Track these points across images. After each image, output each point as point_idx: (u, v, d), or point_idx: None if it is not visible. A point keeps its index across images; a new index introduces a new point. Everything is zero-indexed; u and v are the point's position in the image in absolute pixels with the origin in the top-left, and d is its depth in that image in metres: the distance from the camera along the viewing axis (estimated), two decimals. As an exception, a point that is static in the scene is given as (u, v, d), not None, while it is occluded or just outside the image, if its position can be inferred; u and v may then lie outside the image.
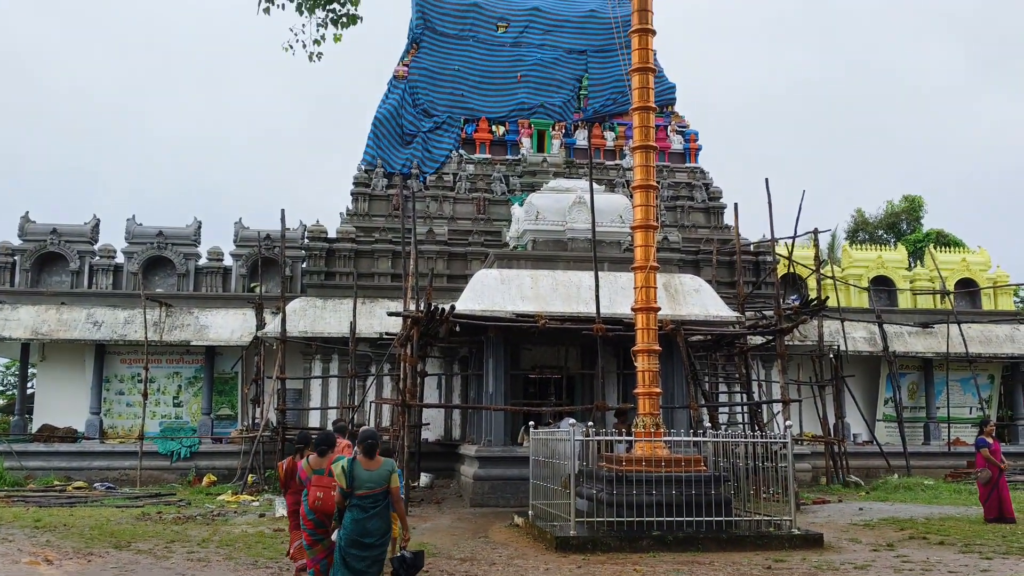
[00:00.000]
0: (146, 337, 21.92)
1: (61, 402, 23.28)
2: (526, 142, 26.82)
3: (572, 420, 12.26)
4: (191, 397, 24.07)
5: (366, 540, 7.03)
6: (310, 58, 11.48)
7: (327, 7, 11.09)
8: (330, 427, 15.35)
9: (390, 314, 18.55)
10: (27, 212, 24.23)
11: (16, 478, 20.72)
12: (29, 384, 25.82)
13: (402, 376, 17.76)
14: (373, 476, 7.12)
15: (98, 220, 24.96)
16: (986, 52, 78.49)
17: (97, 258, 24.30)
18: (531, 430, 14.08)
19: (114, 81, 76.96)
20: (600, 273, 16.78)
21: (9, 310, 22.75)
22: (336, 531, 7.29)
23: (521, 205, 21.42)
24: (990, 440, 14.69)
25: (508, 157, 26.72)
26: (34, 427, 23.09)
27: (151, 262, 24.55)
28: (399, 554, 7.37)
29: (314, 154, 79.78)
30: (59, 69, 75.34)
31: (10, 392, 35.15)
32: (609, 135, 27.47)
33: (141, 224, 24.83)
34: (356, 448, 7.45)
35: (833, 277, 25.81)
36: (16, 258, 23.79)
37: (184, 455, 22.20)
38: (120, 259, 24.45)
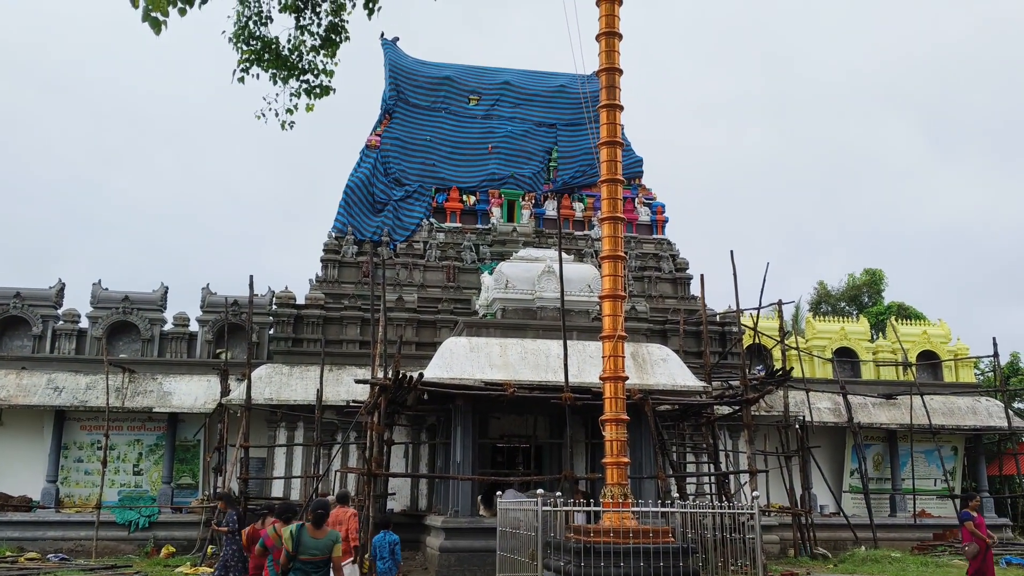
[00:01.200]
0: (107, 403, 21.50)
1: (17, 470, 22.61)
2: (496, 212, 27.19)
3: (540, 490, 12.17)
4: (152, 465, 23.54)
5: None
6: (282, 126, 11.62)
7: (300, 78, 11.29)
8: (330, 496, 15.76)
9: (358, 381, 18.41)
10: (-11, 275, 23.94)
11: (-35, 549, 19.98)
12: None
13: (368, 445, 17.57)
14: (319, 544, 7.65)
15: (63, 284, 24.71)
16: (943, 134, 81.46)
17: (61, 322, 23.99)
18: (498, 500, 13.95)
19: (83, 148, 76.96)
20: (569, 342, 16.89)
21: (-33, 375, 22.27)
22: None
23: (491, 273, 21.62)
24: (975, 514, 14.61)
25: (478, 226, 27.04)
26: (-13, 496, 22.36)
27: (116, 327, 24.26)
28: None
29: (285, 222, 79.93)
30: (28, 133, 75.27)
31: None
32: (578, 206, 27.96)
33: (107, 289, 24.61)
34: (306, 517, 7.95)
35: (797, 348, 26.20)
36: (-24, 322, 23.40)
37: (143, 525, 21.62)
38: (84, 324, 24.15)
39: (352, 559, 11.41)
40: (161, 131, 78.72)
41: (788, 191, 79.31)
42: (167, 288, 25.16)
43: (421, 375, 16.50)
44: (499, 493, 14.48)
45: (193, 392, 23.05)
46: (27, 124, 74.48)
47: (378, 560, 11.69)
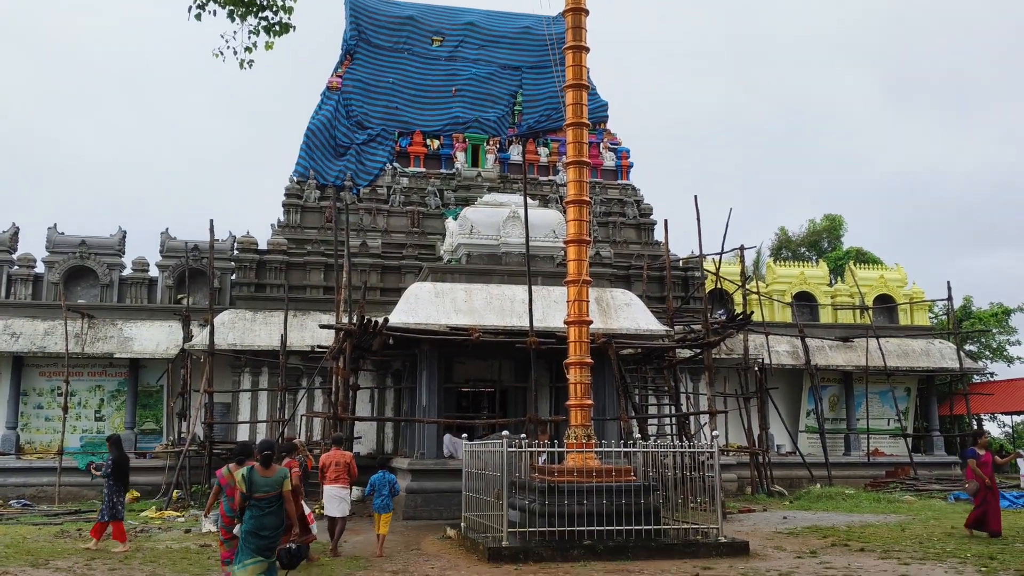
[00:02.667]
0: (67, 349, 21.21)
1: (-26, 417, 22.34)
2: (460, 156, 26.95)
3: (505, 432, 12.34)
4: (114, 411, 23.38)
5: (262, 533, 8.10)
6: (241, 65, 11.33)
7: (259, 15, 10.98)
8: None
9: (322, 326, 18.38)
10: (-60, 219, 23.28)
11: (-76, 496, 19.79)
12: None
13: (334, 389, 17.60)
14: (269, 482, 8.20)
15: (17, 228, 24.12)
16: (898, 86, 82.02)
17: (16, 267, 23.47)
18: (464, 443, 14.12)
19: (33, 97, 74.44)
20: (534, 287, 16.96)
21: (-81, 321, 21.80)
22: (238, 526, 8.43)
23: (455, 219, 21.50)
24: (981, 452, 14.14)
25: (442, 171, 26.80)
26: (-56, 443, 22.09)
27: (73, 272, 23.80)
28: (287, 546, 8.27)
29: (246, 168, 78.37)
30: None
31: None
32: (543, 151, 27.79)
33: (63, 233, 24.07)
34: (256, 457, 8.51)
35: (758, 292, 26.57)
36: (-73, 267, 22.82)
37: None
38: (40, 269, 23.65)
39: (347, 484, 12.49)
40: (113, 79, 76.33)
41: (749, 141, 79.57)
42: (125, 233, 24.69)
43: (386, 320, 16.48)
44: (463, 435, 14.65)
45: (155, 338, 22.82)
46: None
47: (376, 496, 12.43)
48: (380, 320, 16.38)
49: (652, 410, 23.49)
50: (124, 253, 24.47)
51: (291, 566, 8.35)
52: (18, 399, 22.54)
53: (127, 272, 24.24)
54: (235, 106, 77.82)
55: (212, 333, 20.67)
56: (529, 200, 18.85)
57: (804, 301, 28.36)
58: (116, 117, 76.14)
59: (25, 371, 22.74)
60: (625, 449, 13.45)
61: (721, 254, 23.12)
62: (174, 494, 19.62)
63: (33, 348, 21.98)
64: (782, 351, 26.02)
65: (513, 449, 12.41)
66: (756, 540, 13.12)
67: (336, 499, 12.41)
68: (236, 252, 23.86)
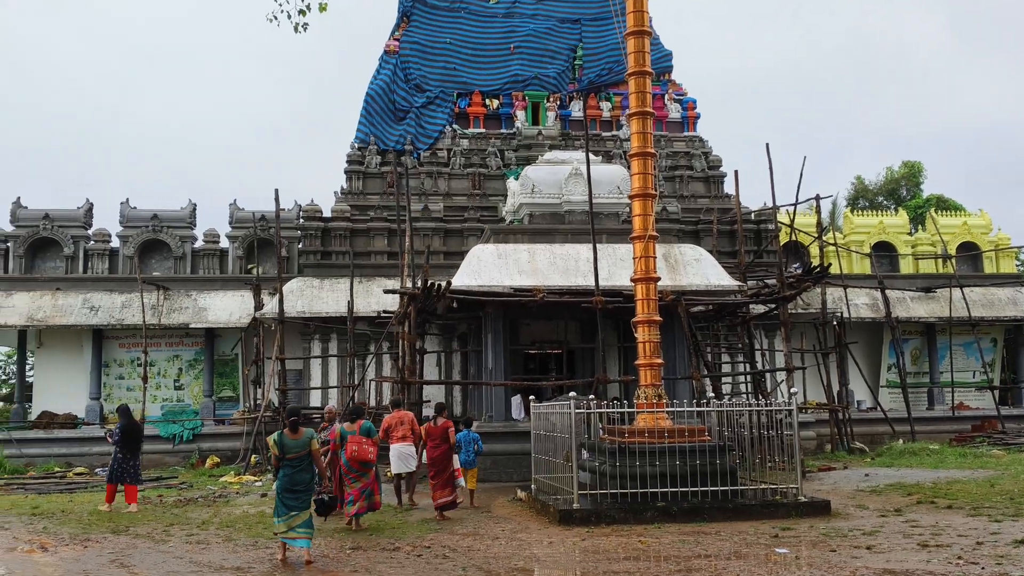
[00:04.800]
0: (144, 321, 21.73)
1: (60, 388, 23.15)
2: (520, 115, 26.47)
3: (572, 393, 12.08)
4: (192, 380, 23.96)
5: (295, 488, 9.18)
6: (295, 29, 11.20)
7: (310, -26, 10.80)
8: (388, 402, 17.38)
9: (387, 292, 18.35)
10: (19, 198, 23.99)
11: (16, 466, 20.64)
12: (28, 371, 25.67)
13: (400, 354, 17.60)
14: (298, 443, 9.26)
15: (91, 204, 24.72)
16: (969, 28, 77.83)
17: (92, 243, 24.09)
18: (532, 404, 13.93)
19: (106, 75, 76.37)
20: (598, 245, 16.57)
21: (3, 297, 22.58)
22: (277, 481, 9.43)
23: (517, 179, 21.16)
24: None
25: (503, 131, 26.40)
26: (34, 414, 22.98)
27: (147, 245, 24.34)
28: (319, 496, 9.37)
29: (310, 137, 79.25)
30: (51, 62, 74.77)
31: (10, 380, 35.05)
32: (605, 105, 27.12)
33: (135, 208, 24.58)
34: (287, 422, 9.67)
35: (835, 244, 25.60)
36: (9, 244, 23.61)
37: (187, 438, 22.15)
38: (115, 243, 24.25)
39: (412, 443, 13.19)
40: (179, 55, 77.72)
41: (816, 89, 76.74)
42: (195, 205, 25.10)
43: (449, 283, 16.33)
44: (531, 397, 14.45)
45: (228, 307, 23.21)
46: (48, 55, 73.93)
47: (462, 452, 13.30)
48: (443, 284, 16.24)
49: (725, 368, 22.95)
50: (195, 225, 24.91)
51: (324, 513, 9.50)
52: (100, 371, 23.26)
53: (198, 244, 24.68)
54: (297, 76, 78.58)
55: (281, 301, 20.89)
56: (591, 156, 18.39)
57: (883, 251, 27.29)
58: (183, 92, 77.68)
59: (105, 343, 23.42)
60: (698, 409, 13.06)
61: (795, 204, 22.26)
62: (252, 459, 20.04)
63: (112, 321, 22.59)
64: (861, 304, 25.10)
65: (581, 410, 12.16)
66: (837, 499, 12.67)
67: (405, 456, 13.07)
68: (301, 221, 24.03)
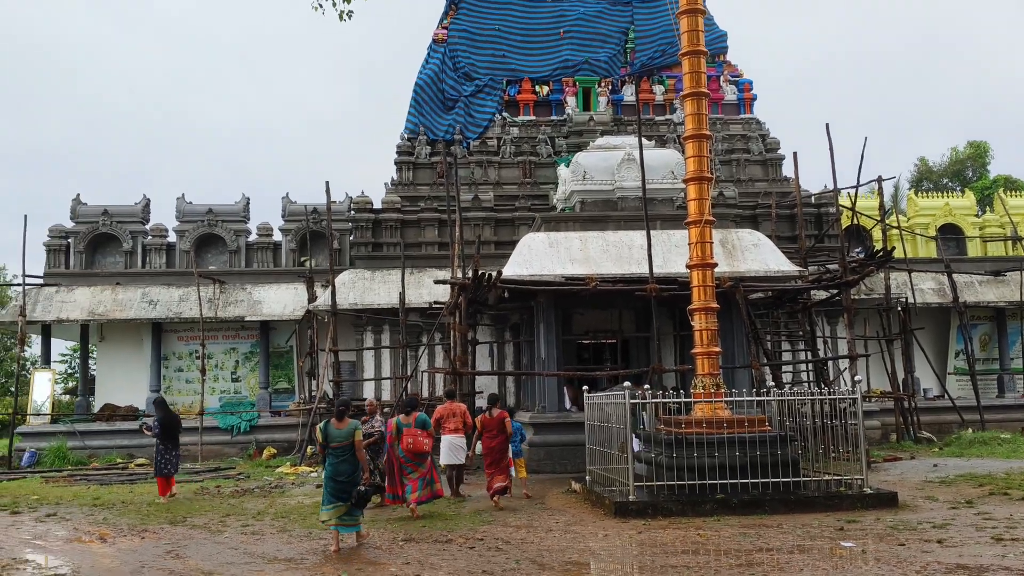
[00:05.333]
0: (201, 314, 22.03)
1: (122, 381, 23.62)
2: (571, 101, 26.08)
3: (627, 383, 11.78)
4: (248, 372, 24.22)
5: (338, 478, 9.40)
6: (340, 17, 11.10)
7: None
8: (443, 393, 17.33)
9: (437, 282, 18.25)
10: (78, 194, 24.47)
11: (80, 457, 21.11)
12: (91, 365, 26.25)
13: (452, 345, 17.48)
14: (342, 433, 9.48)
15: (148, 200, 25.12)
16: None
17: (149, 238, 24.48)
18: (585, 395, 13.67)
19: (159, 73, 77.92)
20: (652, 232, 16.19)
21: (65, 292, 23.08)
22: (322, 469, 9.96)
23: (567, 166, 20.82)
24: None
25: (553, 118, 26.05)
26: (96, 407, 23.47)
27: (202, 240, 24.65)
28: (358, 488, 9.45)
29: (360, 129, 79.87)
30: (107, 62, 76.58)
31: (75, 374, 35.98)
32: (658, 89, 26.57)
33: (191, 203, 24.91)
34: (335, 412, 9.81)
35: (899, 227, 24.73)
36: (69, 240, 24.10)
37: (244, 429, 22.42)
38: (172, 238, 24.59)
39: (464, 435, 13.24)
40: (230, 51, 78.90)
41: (876, 68, 74.52)
42: (248, 199, 25.32)
43: (499, 273, 16.13)
44: (585, 388, 14.18)
45: (282, 300, 23.39)
46: (106, 55, 75.71)
47: (511, 443, 13.43)
48: (493, 273, 16.05)
49: (786, 356, 22.35)
50: (249, 219, 25.14)
51: (360, 505, 9.52)
52: (160, 363, 23.65)
53: (252, 238, 24.90)
54: (348, 69, 79.20)
55: (333, 294, 20.94)
56: (644, 140, 17.99)
57: (949, 234, 26.27)
58: (235, 88, 78.88)
59: (164, 336, 23.80)
60: (758, 398, 12.65)
61: (857, 187, 21.52)
62: (308, 450, 20.14)
63: (169, 314, 22.93)
64: (927, 288, 24.23)
65: (636, 400, 11.86)
66: (905, 490, 12.18)
67: (456, 448, 13.14)
68: (352, 213, 24.06)
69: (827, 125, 19.22)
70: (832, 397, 12.28)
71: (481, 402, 21.12)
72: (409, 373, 20.78)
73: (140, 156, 75.51)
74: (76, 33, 76.25)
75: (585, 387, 14.22)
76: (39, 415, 22.89)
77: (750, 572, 7.69)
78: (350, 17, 11.22)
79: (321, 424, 9.66)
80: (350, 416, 9.86)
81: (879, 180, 22.38)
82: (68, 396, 32.49)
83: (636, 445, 12.76)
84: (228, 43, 79.71)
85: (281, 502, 13.21)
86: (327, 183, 21.49)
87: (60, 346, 35.98)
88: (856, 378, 12.03)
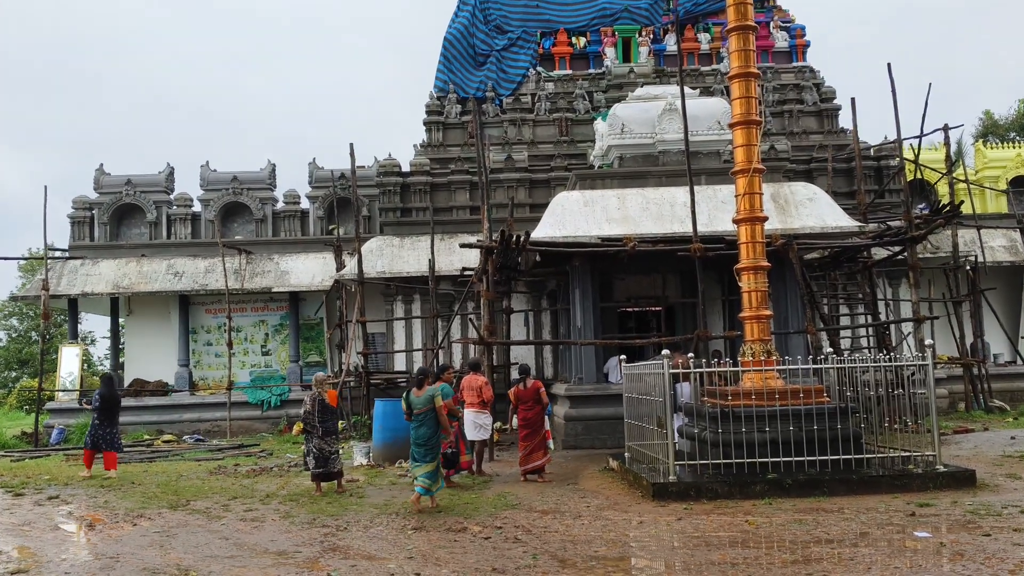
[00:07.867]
0: (227, 286, 21.31)
1: (151, 355, 23.08)
2: (610, 52, 24.55)
3: (666, 351, 10.54)
4: (279, 345, 23.50)
5: (418, 442, 9.91)
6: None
7: None
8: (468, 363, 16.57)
9: (463, 246, 17.13)
10: (101, 164, 23.86)
11: (107, 433, 20.56)
12: (120, 340, 25.78)
13: (481, 312, 16.38)
14: (422, 399, 9.96)
15: (172, 168, 24.43)
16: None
17: (174, 208, 23.80)
18: (622, 364, 12.47)
19: (178, 33, 77.67)
20: (697, 187, 14.84)
21: (90, 265, 22.53)
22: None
23: (605, 120, 19.44)
24: None
25: (591, 71, 24.60)
26: (126, 381, 22.96)
27: (228, 209, 23.90)
28: (445, 451, 10.14)
29: (390, 92, 78.92)
30: (164, 49, 76.50)
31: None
32: (704, 37, 24.91)
33: (215, 170, 24.15)
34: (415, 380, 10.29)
35: (966, 180, 22.88)
36: (94, 212, 23.54)
37: (274, 404, 21.76)
38: (197, 207, 23.89)
39: (487, 411, 12.73)
40: (250, 16, 78.17)
41: (937, 19, 70.84)
42: (274, 166, 24.50)
43: (528, 234, 14.96)
44: (622, 357, 12.98)
45: (310, 270, 22.56)
46: (162, 40, 75.82)
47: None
48: (522, 236, 14.87)
49: (844, 321, 20.81)
50: (275, 186, 24.34)
51: (448, 467, 10.48)
52: (188, 337, 23.03)
53: (279, 206, 24.09)
54: (375, 28, 78.08)
55: (360, 262, 19.98)
56: (688, 90, 16.54)
57: (1021, 187, 24.34)
58: (258, 51, 78.36)
59: (192, 309, 23.16)
60: (815, 366, 11.32)
61: (920, 137, 19.81)
62: (340, 425, 19.29)
63: (196, 286, 22.25)
64: (997, 246, 22.45)
65: (676, 370, 10.63)
66: (982, 467, 10.88)
67: (476, 424, 12.50)
68: (380, 177, 23.02)
69: (888, 65, 17.61)
70: (898, 364, 10.87)
71: (515, 374, 20.15)
72: (441, 343, 19.78)
73: (160, 124, 75.47)
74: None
75: (622, 356, 13.03)
76: (66, 391, 22.44)
77: (807, 571, 6.50)
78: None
79: (405, 394, 10.19)
80: (430, 382, 10.30)
81: (945, 128, 20.64)
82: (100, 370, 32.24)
83: (678, 420, 11.57)
84: (249, 5, 78.96)
85: (295, 483, 12.33)
86: (351, 144, 20.44)
87: (97, 322, 35.88)
88: (928, 342, 10.64)
